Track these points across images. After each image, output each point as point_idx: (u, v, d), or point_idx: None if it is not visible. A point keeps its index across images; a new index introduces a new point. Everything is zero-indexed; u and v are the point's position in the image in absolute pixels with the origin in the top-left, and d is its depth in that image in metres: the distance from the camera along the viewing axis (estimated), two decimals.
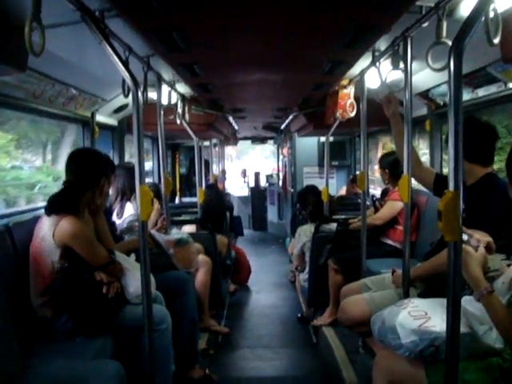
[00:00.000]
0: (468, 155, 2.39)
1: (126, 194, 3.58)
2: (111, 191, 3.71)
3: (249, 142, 11.56)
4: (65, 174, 2.68)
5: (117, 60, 1.98)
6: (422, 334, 1.80)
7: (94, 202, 2.67)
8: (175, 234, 3.61)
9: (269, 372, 3.74)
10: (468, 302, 1.90)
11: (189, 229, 4.47)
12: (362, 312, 2.55)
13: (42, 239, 2.38)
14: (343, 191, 6.55)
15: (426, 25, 2.15)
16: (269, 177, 12.03)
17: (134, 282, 2.53)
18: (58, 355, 2.25)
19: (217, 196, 5.80)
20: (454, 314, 1.55)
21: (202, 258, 3.95)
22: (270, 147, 17.75)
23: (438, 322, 1.80)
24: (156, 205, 3.59)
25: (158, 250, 3.30)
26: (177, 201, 7.62)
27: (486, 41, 1.63)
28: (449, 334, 1.56)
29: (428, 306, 1.93)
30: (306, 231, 4.93)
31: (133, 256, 2.79)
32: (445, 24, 2.00)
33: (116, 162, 4.64)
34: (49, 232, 2.38)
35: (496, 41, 1.61)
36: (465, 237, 1.82)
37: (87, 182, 2.62)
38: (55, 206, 2.46)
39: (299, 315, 4.83)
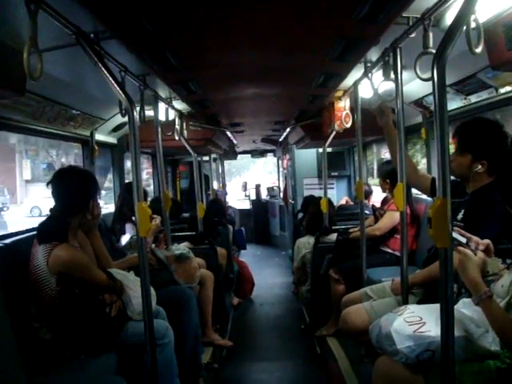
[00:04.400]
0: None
1: None
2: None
3: (249, 156, 11.58)
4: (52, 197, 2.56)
5: (112, 81, 2.01)
6: (417, 339, 1.80)
7: (85, 224, 2.62)
8: (175, 249, 3.62)
9: None
10: (465, 305, 1.91)
11: (186, 243, 4.47)
12: (363, 321, 2.55)
13: (37, 267, 2.33)
14: (343, 201, 6.58)
15: (413, 35, 2.19)
16: (270, 189, 12.05)
17: (134, 300, 2.55)
18: (63, 373, 2.27)
19: (218, 210, 5.87)
20: (447, 318, 1.56)
21: (203, 272, 3.95)
22: (273, 161, 17.25)
23: (433, 327, 1.80)
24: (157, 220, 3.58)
25: (159, 265, 3.32)
26: None
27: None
28: (443, 337, 1.58)
29: (423, 312, 1.93)
30: (304, 243, 5.01)
31: (131, 272, 2.78)
32: (431, 34, 2.05)
33: (116, 179, 4.70)
34: (42, 261, 2.32)
35: (478, 50, 1.65)
36: (463, 240, 1.83)
37: (75, 207, 2.55)
38: (44, 235, 2.40)
39: (302, 326, 4.82)
